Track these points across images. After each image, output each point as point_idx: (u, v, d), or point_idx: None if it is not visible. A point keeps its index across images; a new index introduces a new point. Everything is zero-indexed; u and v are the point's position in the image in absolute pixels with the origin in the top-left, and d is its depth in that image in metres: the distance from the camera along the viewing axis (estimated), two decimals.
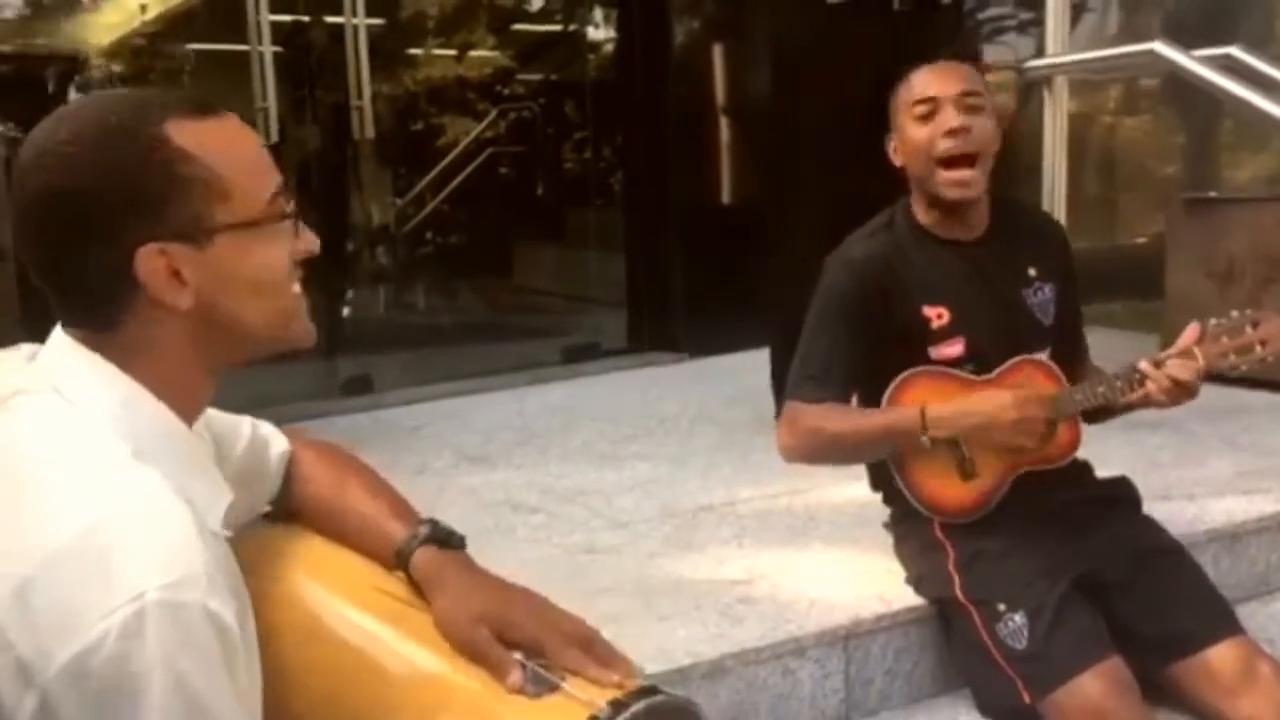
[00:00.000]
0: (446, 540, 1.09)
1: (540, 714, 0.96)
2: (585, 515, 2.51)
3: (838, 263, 1.92)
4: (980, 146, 1.82)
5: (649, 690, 0.98)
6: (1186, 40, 3.55)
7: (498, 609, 1.02)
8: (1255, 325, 1.78)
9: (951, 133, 1.81)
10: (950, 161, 1.82)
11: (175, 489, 0.87)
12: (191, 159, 0.91)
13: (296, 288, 1.00)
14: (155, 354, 0.93)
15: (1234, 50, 3.54)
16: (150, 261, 0.89)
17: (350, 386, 4.04)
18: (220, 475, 0.99)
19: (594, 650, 1.02)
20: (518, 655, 0.99)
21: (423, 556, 1.07)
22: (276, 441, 1.18)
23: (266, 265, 0.95)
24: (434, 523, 1.10)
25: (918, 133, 1.84)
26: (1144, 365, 1.80)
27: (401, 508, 1.13)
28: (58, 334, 0.95)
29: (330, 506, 1.14)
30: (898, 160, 1.91)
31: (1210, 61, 3.44)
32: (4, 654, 0.80)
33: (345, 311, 5.82)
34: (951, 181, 1.83)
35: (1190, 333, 1.79)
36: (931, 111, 1.83)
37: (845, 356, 1.88)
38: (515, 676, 0.97)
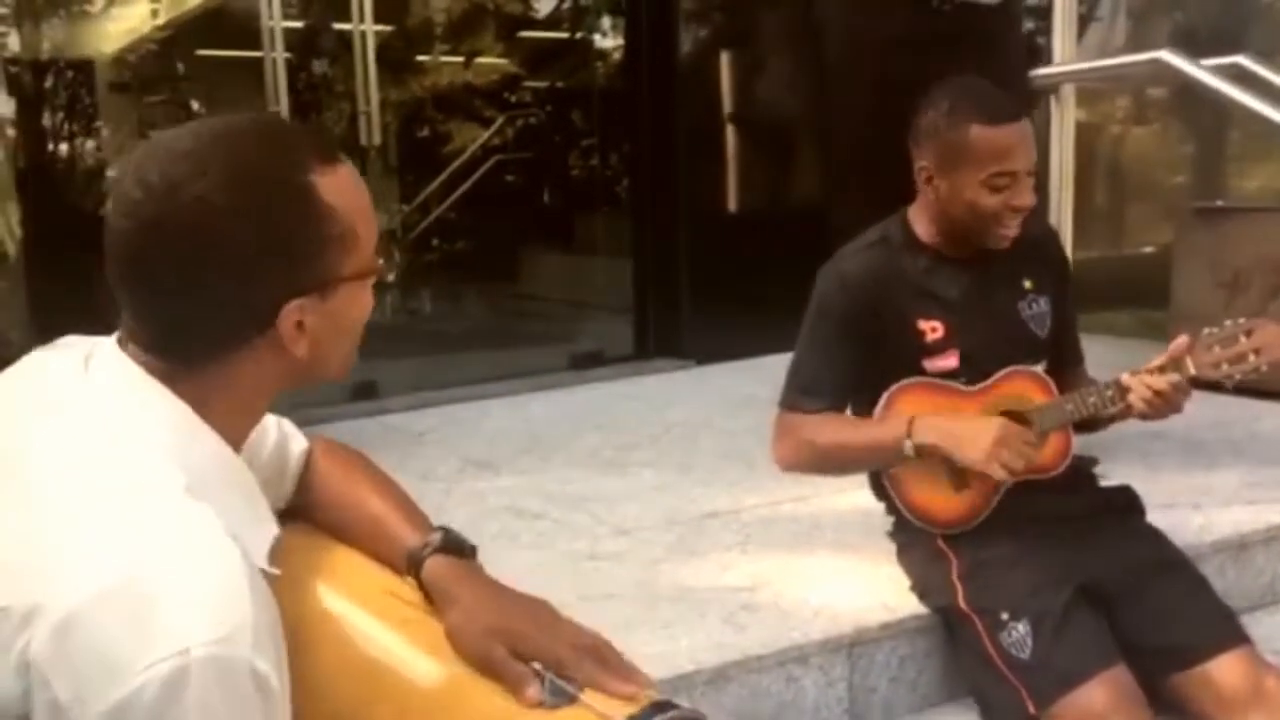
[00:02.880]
0: (459, 549, 1.08)
1: None
2: (589, 522, 2.51)
3: (831, 274, 1.92)
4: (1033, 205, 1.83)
5: (664, 704, 0.98)
6: (1195, 51, 3.55)
7: (511, 622, 1.01)
8: (1249, 334, 1.77)
9: (1021, 209, 1.81)
10: None
11: (226, 526, 0.84)
12: (334, 215, 0.92)
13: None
14: (233, 389, 0.93)
15: (1242, 59, 3.53)
16: (288, 317, 0.90)
17: (356, 392, 4.04)
18: (267, 506, 0.98)
19: (608, 662, 1.01)
20: (536, 666, 0.99)
21: (435, 565, 1.06)
22: (296, 440, 1.17)
23: (364, 309, 0.98)
24: (446, 530, 1.09)
25: (988, 200, 1.79)
26: (1125, 377, 1.80)
27: (414, 513, 1.12)
28: (115, 352, 0.92)
29: (342, 508, 1.13)
30: (929, 192, 1.87)
31: (1218, 70, 3.43)
32: (41, 692, 0.78)
33: None
34: (1002, 237, 1.83)
35: (1178, 344, 1.79)
36: (1008, 184, 1.79)
37: (837, 368, 1.89)
38: (533, 690, 0.97)
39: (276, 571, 0.90)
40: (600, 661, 1.01)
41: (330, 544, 1.13)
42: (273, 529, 0.94)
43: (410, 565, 1.07)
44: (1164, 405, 1.78)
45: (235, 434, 0.94)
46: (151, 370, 0.91)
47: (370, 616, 1.06)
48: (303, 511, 1.16)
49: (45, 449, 0.88)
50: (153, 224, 0.87)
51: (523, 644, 0.99)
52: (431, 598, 1.05)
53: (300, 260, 0.90)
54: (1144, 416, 1.81)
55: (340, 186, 0.93)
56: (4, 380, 0.97)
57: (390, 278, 1.14)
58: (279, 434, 1.16)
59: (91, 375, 0.92)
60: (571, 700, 0.97)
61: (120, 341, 0.93)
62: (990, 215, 1.81)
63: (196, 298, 0.89)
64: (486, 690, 0.98)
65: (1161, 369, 1.79)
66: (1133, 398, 1.78)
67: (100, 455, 0.87)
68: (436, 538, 1.08)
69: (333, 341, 0.96)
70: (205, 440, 0.91)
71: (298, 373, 0.96)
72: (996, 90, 1.83)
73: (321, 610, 1.06)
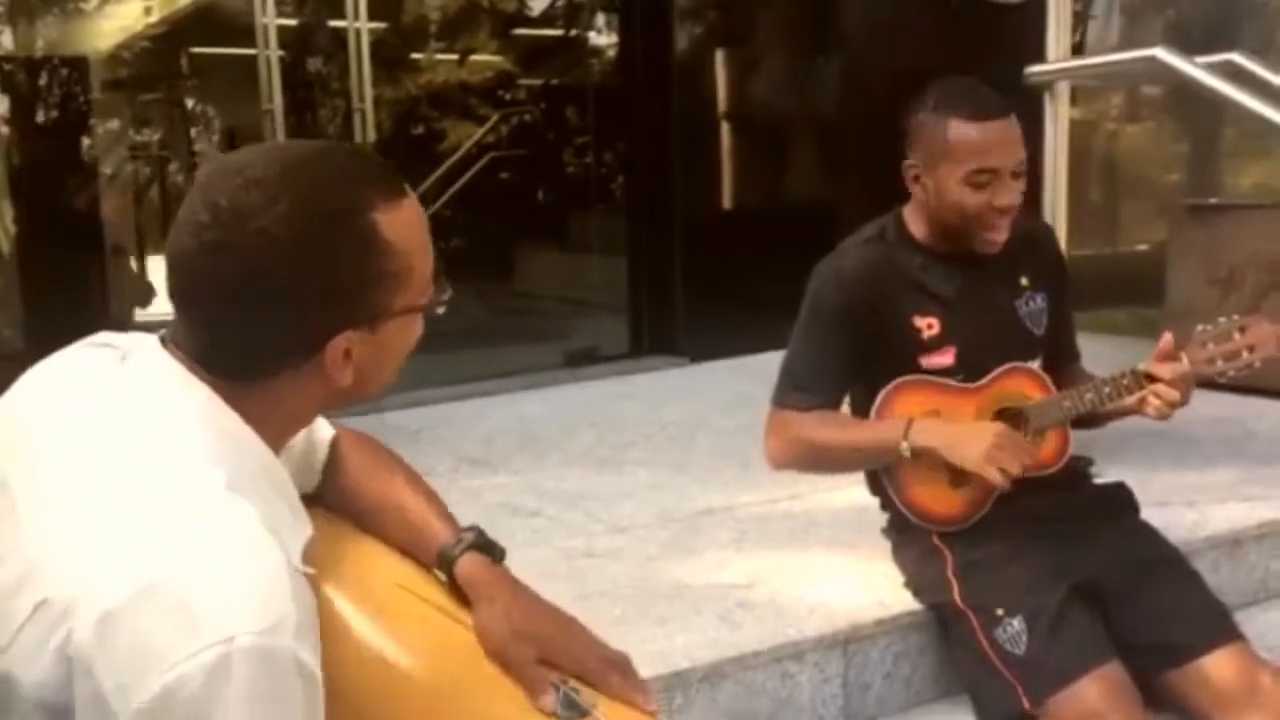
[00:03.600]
0: (490, 550, 1.10)
1: None
2: (585, 520, 2.51)
3: (827, 271, 1.92)
4: (1018, 207, 1.81)
5: None
6: (1189, 48, 3.55)
7: (542, 629, 1.03)
8: (1243, 330, 1.77)
9: (1005, 210, 1.79)
10: None
11: (265, 522, 0.85)
12: (392, 252, 0.92)
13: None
14: (273, 407, 0.94)
15: (1236, 56, 3.54)
16: (336, 349, 0.91)
17: None
18: (302, 507, 0.98)
19: (628, 676, 1.04)
20: (554, 678, 1.00)
21: (471, 562, 1.07)
22: (323, 427, 1.18)
23: (413, 338, 1.00)
24: (479, 530, 1.11)
25: (968, 198, 1.78)
26: (1147, 365, 1.79)
27: (443, 509, 1.14)
28: (157, 349, 0.93)
29: (372, 497, 1.14)
30: (918, 192, 1.88)
31: (1212, 68, 3.43)
32: (84, 682, 0.78)
33: None
34: (988, 241, 1.82)
35: (1166, 339, 1.79)
36: (989, 181, 1.78)
37: (832, 365, 1.89)
38: (549, 699, 0.98)
39: (311, 571, 0.90)
40: (624, 678, 1.02)
41: (347, 532, 1.13)
42: (308, 529, 0.94)
43: (442, 560, 1.08)
44: (1181, 396, 1.77)
45: (273, 441, 0.95)
46: (194, 371, 0.91)
47: (390, 618, 1.05)
48: (328, 499, 1.17)
49: (81, 442, 0.88)
50: (216, 248, 0.88)
51: (550, 651, 1.02)
52: (464, 594, 1.06)
53: (356, 297, 0.91)
54: (1156, 411, 1.79)
55: (403, 222, 0.93)
56: (37, 374, 0.98)
57: (441, 310, 1.16)
58: (310, 431, 1.16)
59: (130, 370, 0.93)
60: (584, 715, 0.98)
61: (163, 340, 0.94)
62: (973, 215, 1.80)
63: (250, 324, 0.90)
64: (499, 692, 0.99)
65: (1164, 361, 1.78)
66: (1160, 387, 1.76)
67: (139, 448, 0.87)
68: (470, 535, 1.09)
69: (376, 369, 0.97)
70: (244, 439, 0.91)
71: (339, 396, 0.97)
72: (984, 88, 1.82)
73: (341, 612, 1.06)
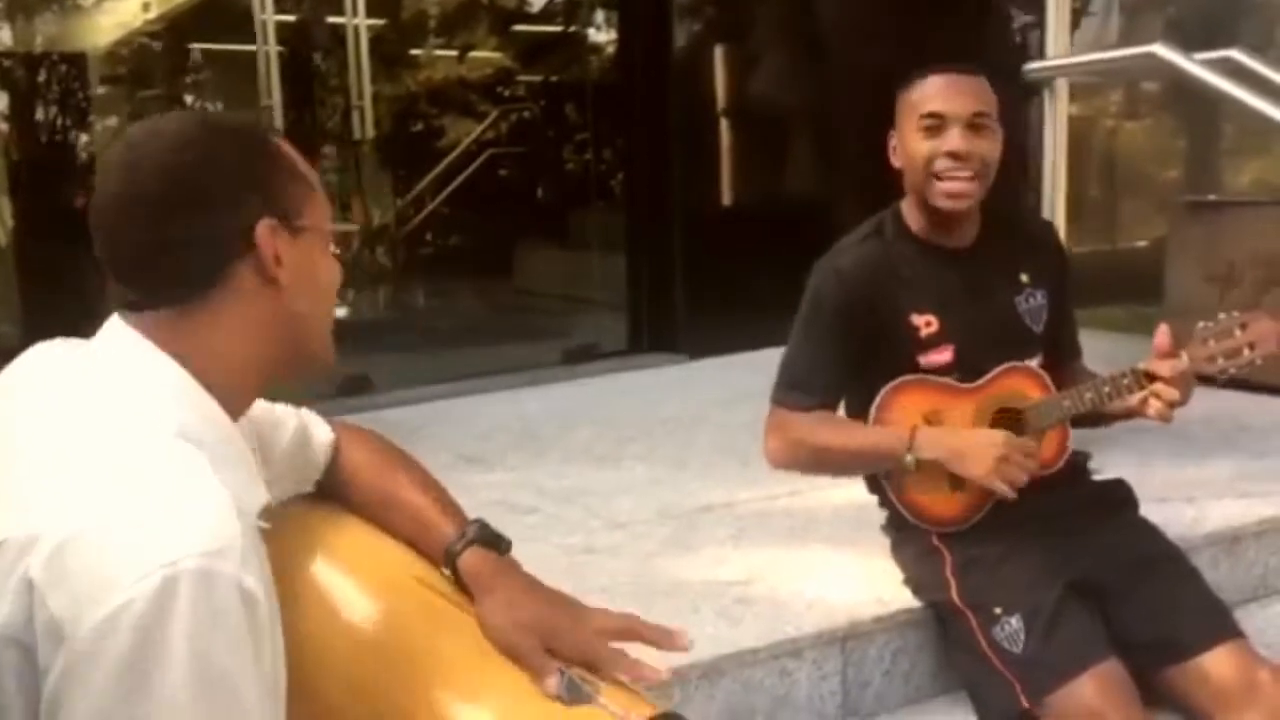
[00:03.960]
0: (495, 542, 1.11)
1: None
2: (583, 516, 2.51)
3: (826, 269, 1.91)
4: (979, 168, 1.81)
5: (677, 716, 1.00)
6: (1187, 45, 3.55)
7: (545, 616, 1.05)
8: (1244, 328, 1.77)
9: (953, 155, 1.80)
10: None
11: (214, 468, 0.88)
12: (296, 165, 1.01)
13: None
14: (220, 340, 0.96)
15: (1235, 53, 3.54)
16: (266, 234, 0.96)
17: (349, 386, 4.03)
18: (259, 476, 1.00)
19: (644, 637, 1.06)
20: (557, 664, 1.01)
21: (474, 556, 1.09)
22: (320, 429, 1.20)
23: (332, 273, 1.04)
24: (483, 523, 1.13)
25: (920, 145, 1.82)
26: (1148, 364, 1.78)
27: (449, 504, 1.16)
28: (117, 322, 0.97)
29: (378, 495, 1.17)
30: (896, 161, 1.90)
31: (1211, 64, 3.43)
32: (40, 611, 0.81)
33: (344, 311, 5.83)
34: (944, 192, 1.82)
35: (1161, 334, 1.78)
36: (938, 127, 1.80)
37: (831, 364, 1.88)
38: (552, 683, 0.99)
39: (267, 526, 0.93)
40: (634, 639, 1.05)
41: (361, 528, 1.15)
42: (262, 496, 0.97)
43: (447, 556, 1.10)
44: (1181, 394, 1.76)
45: (225, 397, 0.97)
46: (150, 336, 0.95)
47: (394, 599, 1.08)
48: (335, 496, 1.19)
49: (43, 405, 0.93)
50: (130, 168, 0.95)
51: (555, 640, 1.03)
52: (467, 588, 1.07)
53: (269, 189, 0.98)
54: (1157, 412, 1.77)
55: (299, 156, 1.02)
56: (12, 365, 1.01)
57: (354, 247, 1.17)
58: (299, 422, 1.18)
59: (93, 344, 0.97)
60: (588, 700, 0.98)
61: (122, 314, 0.98)
62: (924, 162, 1.81)
63: (185, 226, 0.95)
64: (502, 679, 1.00)
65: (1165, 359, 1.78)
66: (1160, 386, 1.75)
67: (96, 405, 0.91)
68: (473, 530, 1.11)
69: (310, 288, 1.00)
70: (200, 402, 0.95)
71: (278, 327, 0.99)
72: (956, 63, 1.85)
73: (344, 593, 1.07)
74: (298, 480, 1.18)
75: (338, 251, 1.05)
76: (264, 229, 0.96)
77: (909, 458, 1.80)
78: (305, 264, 1.00)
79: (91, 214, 0.97)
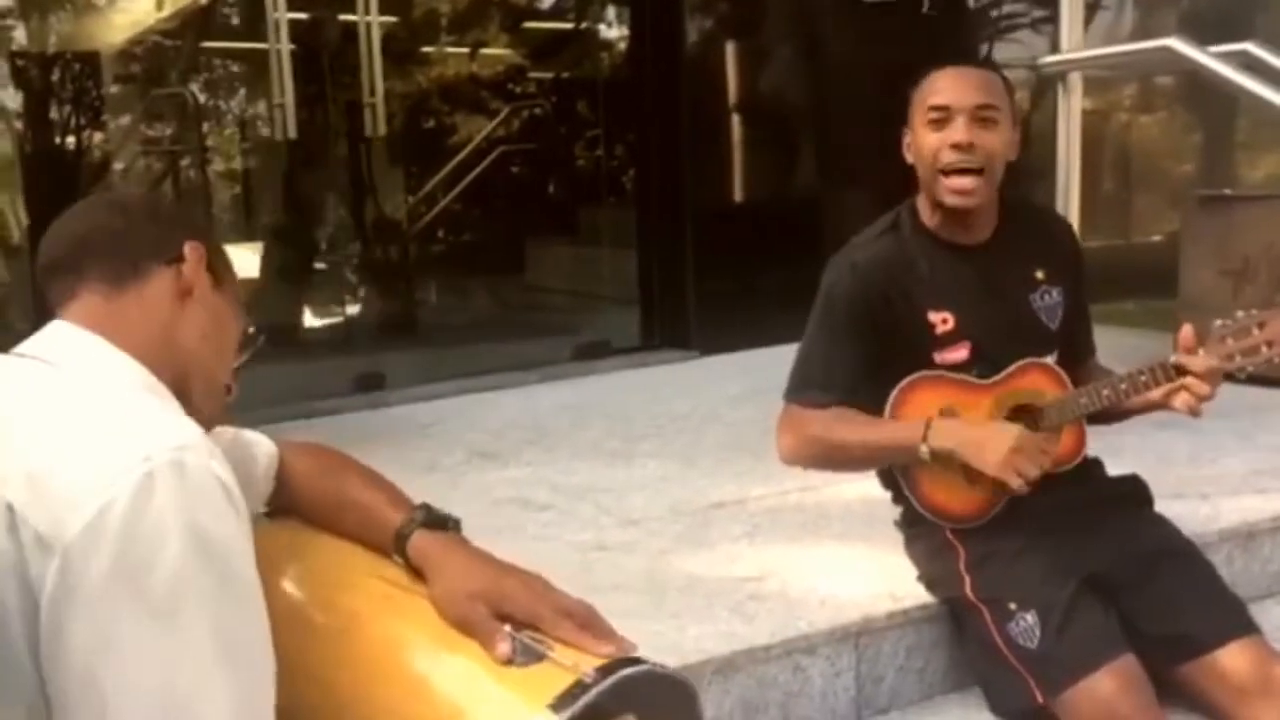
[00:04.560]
0: (442, 523, 1.13)
1: (527, 681, 0.98)
2: (595, 513, 2.52)
3: (841, 264, 1.90)
4: (986, 161, 1.80)
5: (638, 660, 1.00)
6: (1202, 38, 3.53)
7: (494, 586, 1.05)
8: (1261, 326, 1.76)
9: (957, 146, 1.79)
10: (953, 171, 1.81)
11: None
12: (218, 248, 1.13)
13: (231, 377, 1.15)
14: (151, 319, 1.04)
15: (1250, 46, 3.52)
16: (193, 253, 1.07)
17: (362, 383, 4.05)
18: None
19: (592, 627, 1.04)
20: (507, 628, 1.02)
21: (419, 540, 1.11)
22: (262, 444, 1.23)
23: (231, 337, 1.13)
24: (427, 507, 1.15)
25: (927, 138, 1.82)
26: (1176, 358, 1.77)
27: (396, 496, 1.17)
28: (54, 324, 1.04)
29: (327, 501, 1.19)
30: (909, 157, 1.89)
31: (1226, 58, 3.42)
32: (25, 531, 0.82)
33: (357, 309, 5.84)
34: (951, 189, 1.81)
35: (1185, 333, 1.77)
36: (944, 119, 1.80)
37: (847, 360, 1.87)
38: (504, 647, 1.00)
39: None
40: (585, 627, 1.04)
41: (315, 535, 1.18)
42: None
43: (397, 544, 1.11)
44: (1211, 390, 1.75)
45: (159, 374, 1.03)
46: (83, 322, 1.02)
47: (347, 596, 1.10)
48: (287, 511, 1.21)
49: (6, 388, 0.96)
50: (88, 208, 1.11)
51: (506, 605, 1.04)
52: (419, 572, 1.09)
53: (204, 239, 1.09)
54: (1185, 405, 1.76)
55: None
56: None
57: (252, 348, 1.24)
58: (235, 436, 1.21)
59: (37, 341, 1.03)
60: (540, 658, 0.99)
61: (60, 314, 1.05)
62: (931, 155, 1.81)
63: (121, 231, 1.06)
64: (459, 654, 1.01)
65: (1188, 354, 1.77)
66: (1192, 380, 1.74)
67: (53, 376, 0.97)
68: (419, 514, 1.13)
69: (208, 330, 1.08)
70: (134, 369, 1.01)
71: (174, 341, 1.05)
72: (971, 51, 1.85)
73: (299, 599, 1.11)
74: (248, 497, 1.19)
75: (240, 340, 1.14)
76: (192, 248, 1.07)
77: (924, 448, 1.79)
78: (213, 307, 1.09)
79: (54, 225, 1.08)
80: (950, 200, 1.82)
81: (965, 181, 1.80)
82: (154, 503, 0.82)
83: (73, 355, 1.00)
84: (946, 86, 1.82)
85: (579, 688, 0.94)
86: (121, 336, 1.02)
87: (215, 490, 0.86)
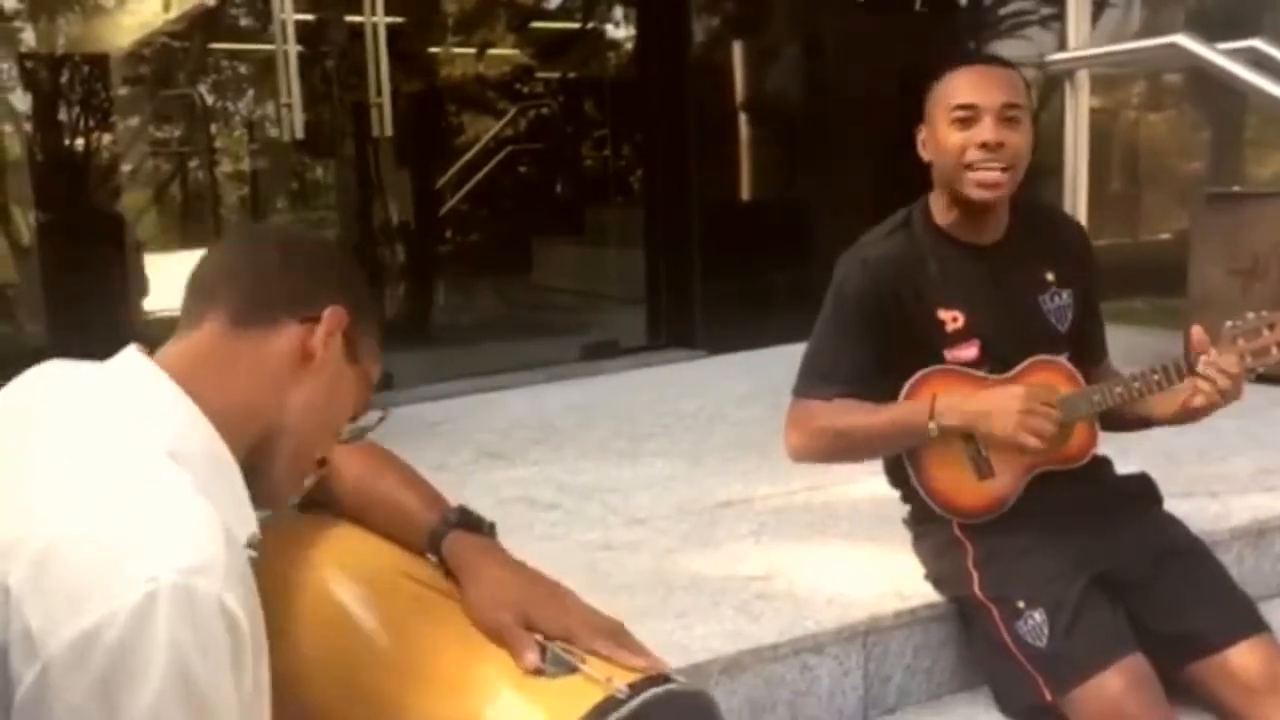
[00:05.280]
0: (477, 526, 1.13)
1: (557, 692, 0.98)
2: (602, 512, 2.52)
3: (852, 261, 1.90)
4: (1013, 160, 1.80)
5: (667, 678, 1.00)
6: (1211, 35, 3.52)
7: (528, 597, 1.05)
8: (1271, 327, 1.75)
9: (986, 145, 1.78)
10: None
11: (201, 490, 0.87)
12: (376, 330, 1.08)
13: (324, 458, 1.07)
14: (256, 367, 0.98)
15: (1258, 43, 3.51)
16: (333, 317, 1.00)
17: None
18: (250, 506, 0.99)
19: (622, 643, 1.05)
20: (538, 637, 1.02)
21: (455, 542, 1.11)
22: None
23: (340, 415, 1.05)
24: (464, 509, 1.14)
25: (952, 136, 1.80)
26: (1197, 359, 1.75)
27: (432, 495, 1.17)
28: (132, 351, 0.98)
29: (362, 496, 1.18)
30: (926, 154, 1.88)
31: (1235, 55, 3.40)
32: (16, 620, 0.80)
33: None
34: (977, 182, 1.80)
35: (1197, 334, 1.76)
36: (970, 119, 1.79)
37: (855, 356, 1.87)
38: (533, 656, 1.00)
39: (254, 553, 0.92)
40: (613, 641, 1.03)
41: (348, 530, 1.17)
42: (253, 525, 0.96)
43: (430, 543, 1.11)
44: (1234, 387, 1.73)
45: (233, 422, 0.96)
46: (163, 364, 0.96)
47: (378, 595, 1.09)
48: (323, 503, 1.20)
49: (46, 429, 0.92)
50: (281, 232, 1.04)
51: (539, 618, 1.04)
52: (451, 573, 1.09)
53: (357, 305, 1.03)
54: (1202, 408, 1.76)
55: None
56: (22, 377, 1.00)
57: (369, 421, 1.20)
58: None
59: (106, 366, 0.97)
60: (571, 670, 0.98)
61: (142, 350, 0.98)
62: (957, 153, 1.80)
63: (275, 269, 1.02)
64: (490, 661, 1.01)
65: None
66: (1202, 383, 1.73)
67: (90, 420, 0.91)
68: (454, 515, 1.13)
69: (327, 395, 1.01)
70: (196, 424, 0.94)
71: (274, 407, 0.99)
72: (986, 50, 1.84)
73: (330, 594, 1.09)
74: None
75: (352, 416, 1.07)
76: (333, 312, 1.00)
77: (932, 426, 1.78)
78: (333, 378, 1.02)
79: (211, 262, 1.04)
80: (976, 194, 1.81)
81: (992, 175, 1.80)
82: (148, 631, 0.78)
83: (129, 399, 0.93)
84: (972, 85, 1.81)
85: (611, 703, 0.94)
86: (217, 381, 0.96)
87: (217, 626, 0.81)
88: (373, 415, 1.09)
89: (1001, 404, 1.76)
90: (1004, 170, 1.80)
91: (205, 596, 0.80)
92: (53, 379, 0.98)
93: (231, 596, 0.82)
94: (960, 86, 1.82)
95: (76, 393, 0.95)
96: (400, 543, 1.14)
